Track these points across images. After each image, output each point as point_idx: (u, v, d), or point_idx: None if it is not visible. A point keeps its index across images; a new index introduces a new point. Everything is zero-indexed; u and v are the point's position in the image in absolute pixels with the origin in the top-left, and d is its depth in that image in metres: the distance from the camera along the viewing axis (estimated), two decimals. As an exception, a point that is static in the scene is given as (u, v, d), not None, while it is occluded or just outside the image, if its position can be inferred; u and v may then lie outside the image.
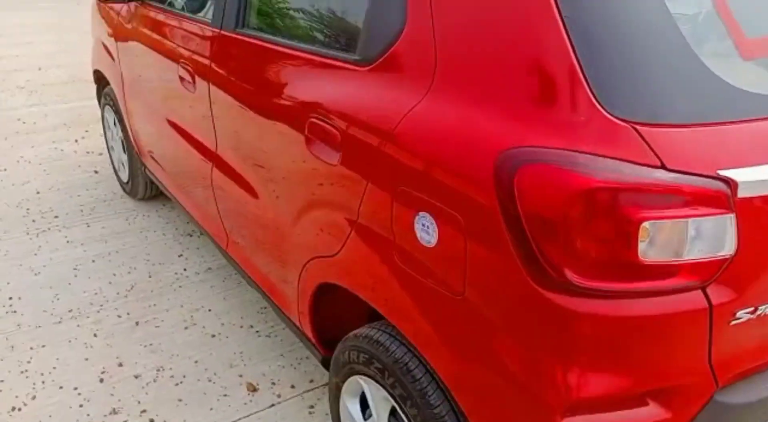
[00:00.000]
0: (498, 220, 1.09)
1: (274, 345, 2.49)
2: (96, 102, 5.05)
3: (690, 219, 1.01)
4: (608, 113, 1.03)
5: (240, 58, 1.92)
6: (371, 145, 1.36)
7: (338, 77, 1.50)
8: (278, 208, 1.83)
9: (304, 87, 1.61)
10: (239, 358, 2.42)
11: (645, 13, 1.07)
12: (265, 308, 2.70)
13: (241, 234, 2.21)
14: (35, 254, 3.07)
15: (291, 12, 1.87)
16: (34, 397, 2.23)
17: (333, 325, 1.83)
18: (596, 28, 1.06)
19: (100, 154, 4.18)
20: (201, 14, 2.23)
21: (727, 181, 1.01)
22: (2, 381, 2.30)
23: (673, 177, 1.00)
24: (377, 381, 1.54)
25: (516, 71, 1.12)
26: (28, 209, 3.49)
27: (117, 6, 3.02)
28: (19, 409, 2.18)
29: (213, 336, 2.55)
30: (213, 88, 2.04)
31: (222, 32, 2.01)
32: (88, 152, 4.23)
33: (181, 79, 2.28)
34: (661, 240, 1.01)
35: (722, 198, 1.01)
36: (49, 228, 3.30)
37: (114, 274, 2.93)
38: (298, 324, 1.95)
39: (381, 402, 1.57)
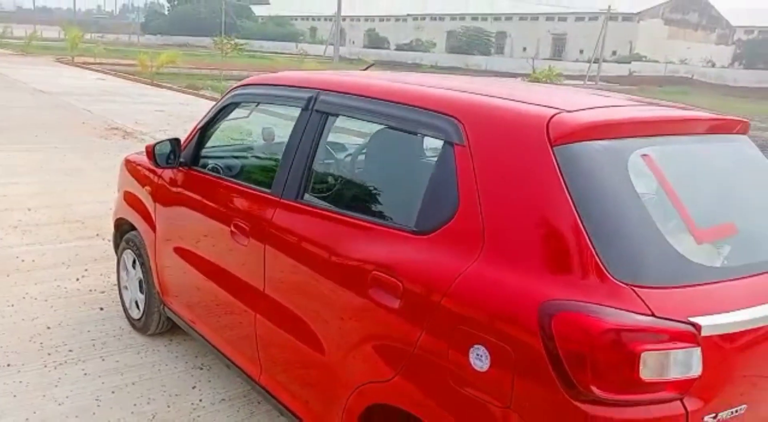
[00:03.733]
0: (540, 351, 1.56)
1: (294, 470, 2.76)
2: (91, 242, 5.43)
3: (671, 351, 1.51)
4: (614, 278, 1.56)
5: (302, 222, 2.42)
6: (431, 295, 1.84)
7: (399, 242, 2.01)
8: (329, 342, 2.25)
9: (366, 248, 2.10)
10: (263, 483, 2.68)
11: (635, 214, 1.66)
12: (280, 436, 2.98)
13: (281, 366, 2.58)
14: (56, 386, 3.29)
15: (349, 187, 2.41)
16: None
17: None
18: (604, 223, 1.62)
19: (102, 292, 4.47)
20: (256, 184, 2.75)
21: (694, 325, 1.54)
22: None
23: (661, 322, 1.52)
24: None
25: (547, 245, 1.66)
26: (41, 343, 3.71)
27: (158, 169, 3.48)
28: None
29: (235, 462, 2.80)
30: (270, 243, 2.51)
31: (283, 200, 2.51)
32: (90, 290, 4.51)
33: (233, 233, 2.73)
34: (653, 364, 1.50)
35: (692, 336, 1.53)
36: (66, 362, 3.53)
37: (135, 404, 3.17)
38: (337, 446, 2.29)
39: None
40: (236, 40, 25.68)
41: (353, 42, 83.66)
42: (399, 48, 69.59)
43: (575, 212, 1.64)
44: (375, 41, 76.91)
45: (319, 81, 2.62)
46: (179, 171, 3.27)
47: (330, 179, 2.53)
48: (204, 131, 3.22)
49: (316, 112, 2.49)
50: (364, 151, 2.91)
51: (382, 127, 2.34)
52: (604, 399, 1.51)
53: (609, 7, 51.87)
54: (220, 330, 3.04)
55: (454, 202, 1.89)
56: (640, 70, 52.90)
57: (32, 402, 3.12)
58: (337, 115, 2.47)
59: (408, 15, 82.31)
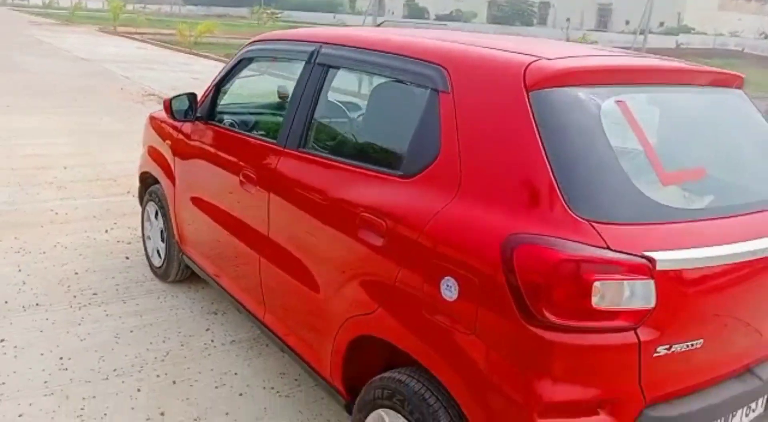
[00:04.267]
0: (502, 280, 1.66)
1: (293, 404, 2.94)
2: (121, 198, 5.67)
3: (625, 282, 1.60)
4: (575, 214, 1.64)
5: (302, 169, 2.54)
6: (410, 233, 1.95)
7: (386, 185, 2.12)
8: (323, 280, 2.38)
9: (358, 191, 2.22)
10: (263, 413, 2.86)
11: (601, 156, 1.73)
12: (284, 374, 3.16)
13: (282, 305, 2.73)
14: (79, 324, 3.51)
15: (344, 139, 2.52)
16: (91, 437, 2.63)
17: (357, 375, 2.32)
18: (569, 163, 1.70)
19: (129, 243, 4.70)
20: (264, 135, 2.88)
21: (649, 259, 1.61)
22: (62, 422, 2.70)
23: (615, 254, 1.60)
24: (397, 411, 2.02)
25: (516, 185, 1.75)
26: (69, 287, 3.95)
27: (177, 123, 3.65)
28: (79, 446, 2.57)
29: (240, 394, 2.98)
30: (274, 189, 2.64)
31: (286, 149, 2.63)
32: (118, 241, 4.75)
33: (242, 182, 2.87)
34: (606, 294, 1.59)
35: (646, 269, 1.61)
36: (90, 303, 3.75)
37: (151, 342, 3.37)
38: (328, 377, 2.44)
39: (400, 428, 2.05)
40: (272, 10, 25.78)
41: (392, 12, 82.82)
42: (439, 18, 68.67)
43: (543, 153, 1.72)
44: (415, 12, 75.99)
45: (322, 35, 2.72)
46: (196, 125, 3.42)
47: (329, 129, 2.64)
48: (219, 87, 3.36)
49: (318, 64, 2.59)
50: (361, 104, 3.02)
51: (376, 78, 2.43)
52: (558, 325, 1.60)
53: (656, -23, 50.24)
54: (229, 274, 3.21)
55: (436, 147, 1.98)
56: (687, 43, 51.23)
57: (57, 337, 3.35)
58: (337, 68, 2.57)
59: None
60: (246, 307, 3.05)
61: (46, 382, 2.97)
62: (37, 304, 3.69)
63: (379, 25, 3.13)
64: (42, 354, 3.19)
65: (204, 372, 3.15)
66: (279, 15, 26.45)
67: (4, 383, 2.93)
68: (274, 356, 3.31)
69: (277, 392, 3.03)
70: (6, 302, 3.68)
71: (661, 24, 57.84)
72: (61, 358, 3.17)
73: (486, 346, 1.73)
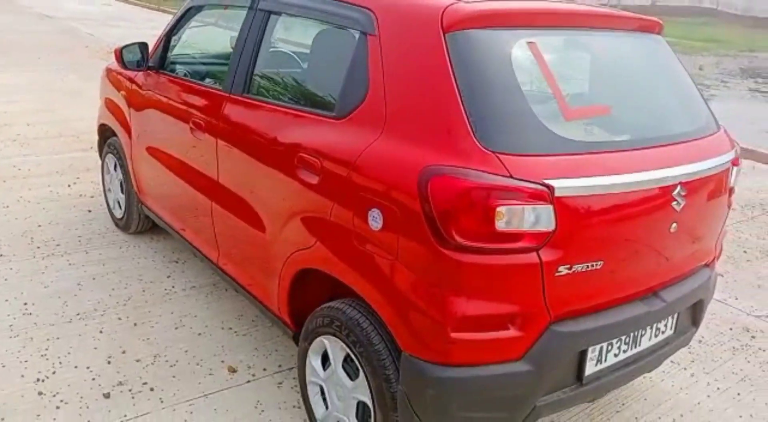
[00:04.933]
0: (418, 209, 1.82)
1: (249, 341, 3.11)
2: (85, 154, 5.71)
3: (526, 207, 1.76)
4: (483, 147, 1.80)
5: (246, 114, 2.66)
6: (340, 169, 2.10)
7: (320, 126, 2.25)
8: (268, 220, 2.53)
9: (296, 132, 2.35)
10: (221, 350, 3.03)
11: (508, 93, 1.88)
12: (242, 316, 3.32)
13: (233, 247, 2.88)
14: (42, 272, 3.64)
15: (285, 84, 2.64)
16: (54, 372, 2.79)
17: (302, 308, 2.49)
18: (478, 100, 1.85)
19: (92, 197, 4.78)
20: (211, 82, 2.98)
21: (548, 186, 1.78)
22: (26, 361, 2.85)
23: (516, 182, 1.76)
24: (336, 336, 2.20)
25: (432, 122, 1.90)
26: (32, 238, 4.05)
27: (131, 73, 3.73)
28: (43, 381, 2.73)
29: (199, 334, 3.15)
30: (221, 134, 2.76)
31: (231, 95, 2.75)
32: (80, 195, 4.83)
33: (192, 129, 2.98)
34: (509, 218, 1.76)
35: (545, 195, 1.78)
36: (53, 254, 3.87)
37: (113, 289, 3.51)
38: (276, 311, 2.61)
39: (338, 351, 2.23)
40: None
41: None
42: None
43: (456, 91, 1.86)
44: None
45: None
46: (148, 74, 3.50)
47: (270, 74, 2.75)
48: (169, 36, 3.43)
49: (259, 10, 2.69)
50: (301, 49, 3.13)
51: (313, 22, 2.54)
52: (468, 246, 1.77)
53: (631, -70, 49.81)
54: (185, 220, 3.34)
55: (364, 88, 2.11)
56: (663, 1, 51.23)
57: (21, 285, 3.48)
58: (277, 13, 2.67)
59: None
60: (202, 252, 3.19)
61: (11, 326, 3.10)
62: (1, 255, 3.79)
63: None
64: (6, 301, 3.31)
65: (164, 314, 3.30)
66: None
67: (-31, 327, 3.07)
68: (233, 300, 3.47)
69: (235, 331, 3.20)
70: (-30, 253, 3.78)
71: (636, -21, 57.53)
72: (25, 304, 3.30)
73: (406, 269, 1.89)
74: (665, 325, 2.32)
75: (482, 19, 1.98)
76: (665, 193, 2.03)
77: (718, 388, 3.06)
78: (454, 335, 1.83)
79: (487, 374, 1.87)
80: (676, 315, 2.33)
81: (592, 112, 2.12)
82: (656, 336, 2.29)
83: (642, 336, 2.23)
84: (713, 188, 2.27)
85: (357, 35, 2.20)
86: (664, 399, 2.95)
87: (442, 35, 1.93)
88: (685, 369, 3.19)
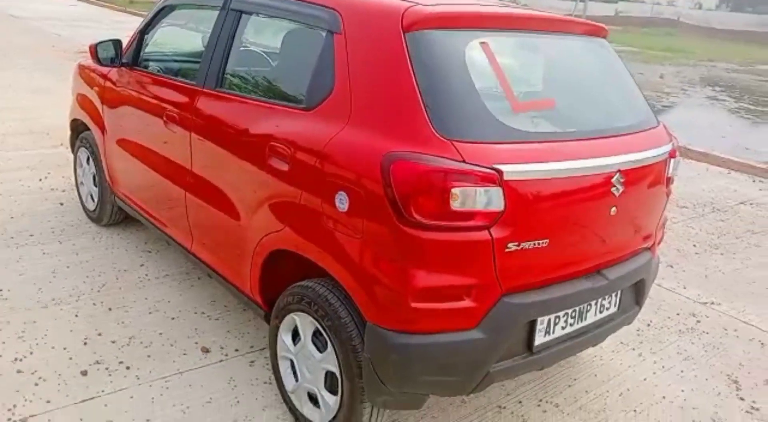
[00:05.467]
0: (381, 191, 2.00)
1: (222, 325, 3.25)
2: (55, 150, 5.77)
3: (477, 188, 1.95)
4: (439, 135, 1.99)
5: (218, 106, 2.81)
6: (310, 157, 2.26)
7: (290, 117, 2.42)
8: (241, 206, 2.67)
9: (267, 124, 2.51)
10: (194, 332, 3.17)
11: (462, 87, 2.07)
12: (214, 301, 3.46)
13: (207, 234, 3.02)
14: (17, 261, 3.72)
15: (256, 78, 2.80)
16: (32, 352, 2.89)
17: (272, 289, 2.64)
18: (435, 93, 2.04)
19: (64, 191, 4.86)
20: (184, 77, 3.13)
21: (498, 170, 1.98)
22: (4, 342, 2.95)
23: (468, 166, 1.95)
24: (306, 312, 2.36)
25: (393, 113, 2.08)
26: (5, 228, 4.12)
27: (104, 70, 3.84)
28: (21, 360, 2.83)
29: (173, 318, 3.28)
30: (195, 127, 2.90)
31: (204, 89, 2.89)
32: (52, 189, 4.90)
33: (166, 122, 3.12)
34: (462, 198, 1.94)
35: (495, 178, 1.97)
36: (27, 244, 3.95)
37: (87, 276, 3.62)
38: (248, 292, 2.75)
39: (307, 325, 2.40)
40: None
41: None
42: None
43: (415, 85, 2.05)
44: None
45: None
46: (121, 71, 3.62)
47: (242, 69, 2.90)
48: (143, 33, 3.55)
49: (231, 10, 2.85)
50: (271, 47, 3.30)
51: (282, 21, 2.70)
52: (425, 224, 1.95)
53: (595, -59, 50.87)
54: (159, 210, 3.47)
55: (331, 82, 2.29)
56: (626, 11, 52.41)
57: (-5, 272, 3.56)
58: (249, 13, 2.83)
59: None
60: (175, 240, 3.32)
61: (-13, 310, 3.19)
62: (-26, 245, 3.86)
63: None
64: (-18, 287, 3.39)
65: (138, 300, 3.42)
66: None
67: (-54, 311, 3.14)
68: (205, 287, 3.60)
69: (208, 316, 3.34)
70: (-57, 243, 3.84)
71: (600, -11, 58.73)
72: (0, 290, 3.38)
73: (371, 246, 2.07)
74: (609, 302, 2.52)
75: (439, 20, 2.17)
76: (605, 179, 2.24)
77: (663, 366, 3.29)
78: (414, 305, 2.00)
79: (444, 341, 2.05)
80: (619, 293, 2.54)
81: (539, 105, 2.33)
82: (601, 312, 2.50)
83: (587, 311, 2.43)
84: (650, 177, 2.50)
85: (324, 33, 2.38)
86: (612, 375, 3.17)
87: (402, 34, 2.12)
88: (633, 349, 3.42)
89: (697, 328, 3.71)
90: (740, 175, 7.48)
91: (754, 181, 7.23)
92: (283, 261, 2.52)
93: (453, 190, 1.93)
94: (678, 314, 3.86)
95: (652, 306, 3.90)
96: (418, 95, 2.03)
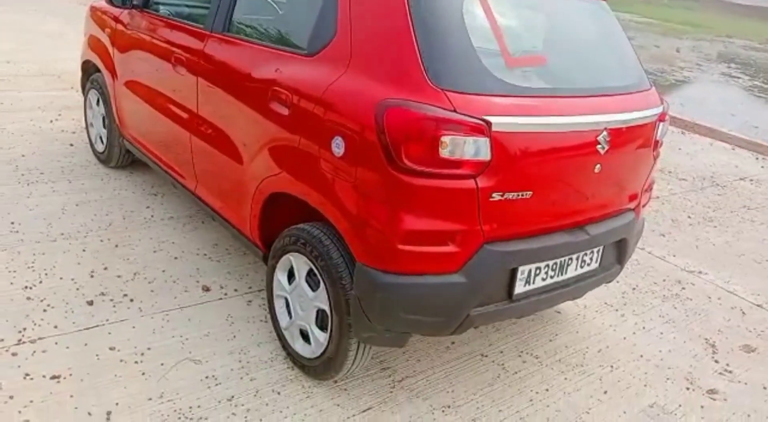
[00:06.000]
0: (375, 137, 2.10)
1: (222, 266, 3.39)
2: (66, 93, 5.86)
3: (466, 138, 2.05)
4: (432, 84, 2.08)
5: (225, 50, 2.90)
6: (309, 102, 2.36)
7: (292, 62, 2.50)
8: (243, 149, 2.78)
9: (270, 68, 2.60)
10: (196, 272, 3.31)
11: (457, 39, 2.15)
12: (217, 244, 3.60)
13: (210, 176, 3.13)
14: (28, 197, 3.85)
15: (262, 23, 2.88)
16: (41, 281, 3.04)
17: (271, 232, 2.77)
18: (431, 43, 2.11)
19: (73, 133, 4.97)
20: (193, 21, 3.21)
21: (486, 121, 2.07)
22: (15, 271, 3.09)
23: (459, 116, 2.04)
24: (301, 253, 2.49)
25: (390, 60, 2.17)
26: (17, 166, 4.25)
27: (115, 11, 3.92)
28: (30, 288, 2.98)
29: (176, 257, 3.42)
30: (202, 70, 2.99)
31: (212, 33, 2.98)
32: (62, 130, 5.01)
33: (174, 65, 3.21)
34: (451, 147, 2.04)
35: (483, 129, 2.06)
36: (37, 181, 4.08)
37: (95, 214, 3.75)
38: (248, 234, 2.88)
39: (302, 265, 2.52)
40: None
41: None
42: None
43: (412, 34, 2.13)
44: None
45: None
46: (132, 12, 3.69)
47: (249, 14, 2.98)
48: (155, -24, 3.62)
49: None
50: None
51: None
52: (415, 170, 2.05)
53: None
54: (165, 152, 3.58)
55: (333, 28, 2.37)
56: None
57: (7, 206, 3.70)
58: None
59: None
60: (180, 182, 3.44)
61: (-2, 241, 3.34)
62: (-14, 180, 4.00)
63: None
64: (-7, 219, 3.54)
65: (143, 240, 3.56)
66: None
67: (-41, 240, 3.30)
68: (209, 230, 3.74)
69: (209, 258, 3.47)
70: (-43, 176, 3.98)
71: (623, -43, 57.52)
72: (12, 223, 3.53)
73: (363, 190, 2.18)
74: (590, 258, 2.64)
75: None
76: (591, 136, 2.33)
77: (644, 327, 3.42)
78: (400, 246, 2.12)
79: (428, 282, 2.18)
80: (600, 250, 2.65)
81: (531, 61, 2.41)
82: (581, 267, 2.61)
83: (568, 265, 2.54)
84: (637, 138, 2.58)
85: None
86: (593, 333, 3.31)
87: None
88: (616, 310, 3.55)
89: (681, 295, 3.83)
90: (745, 151, 7.52)
91: (757, 159, 7.27)
92: (282, 204, 2.64)
93: (442, 138, 2.03)
94: (664, 280, 3.98)
95: (639, 272, 4.02)
96: (415, 45, 2.11)
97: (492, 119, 2.08)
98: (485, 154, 2.09)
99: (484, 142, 2.08)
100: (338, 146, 2.23)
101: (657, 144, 2.75)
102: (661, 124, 2.72)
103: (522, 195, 2.22)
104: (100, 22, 4.13)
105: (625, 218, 2.72)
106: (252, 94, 2.68)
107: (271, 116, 2.54)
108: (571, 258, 2.54)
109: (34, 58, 7.02)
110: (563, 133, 2.28)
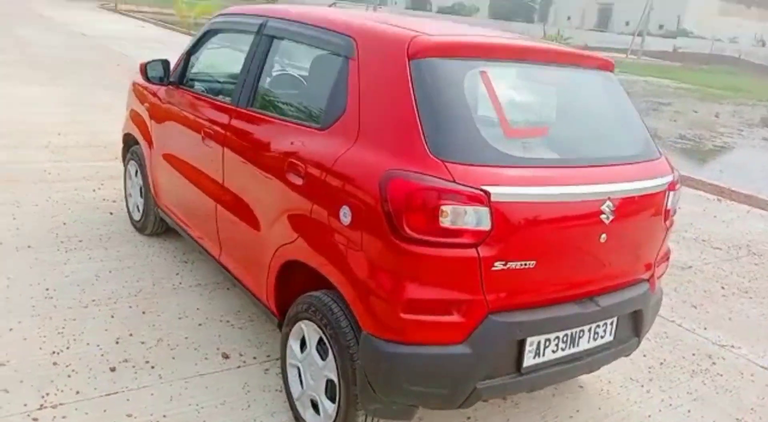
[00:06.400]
0: (379, 206, 2.18)
1: (243, 333, 3.46)
2: (111, 163, 6.16)
3: (465, 207, 2.11)
4: (432, 155, 2.16)
5: (248, 124, 3.06)
6: (320, 172, 2.47)
7: (307, 136, 2.64)
8: (262, 218, 2.89)
9: (288, 141, 2.73)
10: (218, 338, 3.38)
11: (457, 112, 2.25)
12: (240, 311, 3.68)
13: (233, 244, 3.25)
14: (65, 264, 4.03)
15: (281, 99, 3.05)
16: (68, 347, 3.15)
17: (286, 298, 2.83)
18: (432, 116, 2.22)
19: (114, 201, 5.21)
20: (222, 97, 3.41)
21: (485, 191, 2.13)
22: (45, 336, 3.22)
23: (458, 186, 2.11)
24: (311, 320, 2.54)
25: (394, 133, 2.28)
26: (57, 234, 4.46)
27: (154, 87, 4.17)
28: (58, 353, 3.09)
29: (199, 324, 3.51)
30: (228, 142, 3.16)
31: (237, 108, 3.16)
32: (104, 199, 5.26)
33: (203, 138, 3.39)
34: (452, 216, 2.11)
35: (482, 199, 2.13)
36: (75, 248, 4.27)
37: (126, 281, 3.89)
38: (265, 301, 2.96)
39: (313, 333, 2.57)
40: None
41: (396, 2, 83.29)
42: (441, 10, 69.03)
43: (415, 109, 2.24)
44: (417, 3, 76.19)
45: (270, 10, 3.27)
46: (168, 89, 3.94)
47: (271, 90, 3.16)
48: (189, 55, 3.88)
49: (265, 35, 3.13)
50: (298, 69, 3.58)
51: (307, 47, 2.95)
52: (417, 239, 2.12)
53: (657, -22, 50.55)
54: (193, 221, 3.73)
55: (344, 104, 2.51)
56: (686, 46, 51.71)
57: (44, 272, 3.87)
58: (280, 39, 3.10)
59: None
60: (206, 249, 3.57)
61: (33, 307, 3.49)
62: (28, 246, 4.20)
63: (330, 5, 3.65)
64: (30, 285, 3.70)
65: (170, 306, 3.67)
66: (277, -3, 26.96)
67: (-3, 304, 3.46)
68: (233, 297, 3.83)
69: (232, 324, 3.55)
70: (1, 243, 4.19)
71: (661, 27, 58.19)
72: (47, 289, 3.69)
73: (368, 258, 2.24)
74: (604, 330, 2.62)
75: (442, 49, 2.37)
76: (594, 206, 2.37)
77: (670, 404, 3.32)
78: (404, 316, 2.16)
79: (432, 353, 2.20)
80: (613, 322, 2.63)
81: (532, 132, 2.50)
82: (595, 339, 2.59)
83: (580, 337, 2.53)
84: (644, 207, 2.60)
85: (341, 58, 2.60)
86: (617, 409, 3.22)
87: (407, 61, 2.33)
88: (642, 386, 3.46)
89: (711, 370, 3.72)
90: (783, 219, 7.36)
91: (797, 227, 7.10)
92: (297, 272, 2.72)
93: (442, 208, 2.10)
94: (694, 355, 3.87)
95: (668, 345, 3.92)
96: (417, 118, 2.22)
97: (491, 189, 2.14)
98: (485, 224, 2.15)
99: (483, 212, 2.14)
100: (346, 215, 2.32)
101: (668, 213, 2.76)
102: (672, 193, 2.73)
103: (525, 264, 2.26)
104: (141, 96, 4.40)
105: (639, 289, 2.71)
106: (271, 165, 2.81)
107: (288, 186, 2.66)
108: (582, 330, 2.53)
109: (84, 130, 7.42)
110: (565, 203, 2.32)
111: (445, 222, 2.11)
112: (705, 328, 4.23)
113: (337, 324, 2.39)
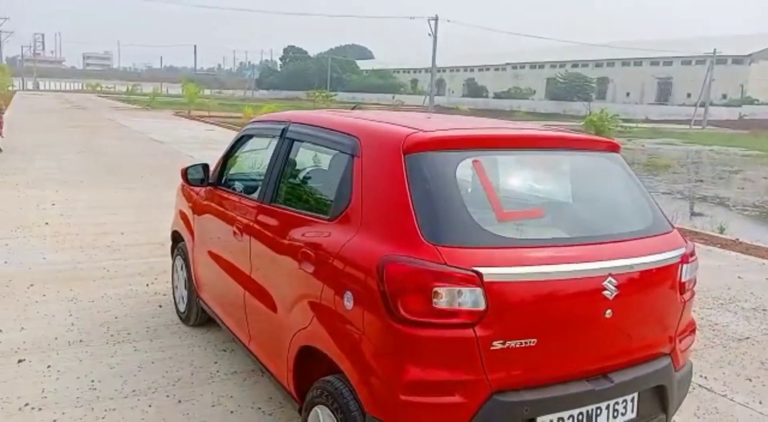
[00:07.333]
0: (377, 290, 2.26)
1: (273, 420, 3.50)
2: (164, 258, 6.46)
3: (458, 288, 2.16)
4: (426, 241, 2.24)
5: (270, 218, 3.24)
6: (328, 259, 2.58)
7: (319, 226, 2.77)
8: (281, 306, 3.01)
9: (302, 232, 2.88)
10: (248, 426, 3.44)
11: (449, 200, 2.34)
12: (271, 398, 3.74)
13: (259, 331, 3.36)
14: (111, 356, 4.23)
15: (298, 194, 3.23)
16: (106, 437, 3.27)
17: (305, 382, 2.89)
18: (425, 205, 2.32)
19: (164, 295, 5.45)
20: (251, 194, 3.63)
21: (477, 272, 2.18)
22: (85, 426, 3.36)
23: (448, 268, 2.17)
24: (326, 405, 2.59)
25: (391, 222, 2.38)
26: (108, 328, 4.70)
27: (196, 188, 4.46)
28: (95, 443, 3.22)
29: (231, 412, 3.58)
30: (254, 234, 3.34)
31: (261, 204, 3.35)
32: (155, 293, 5.52)
33: (235, 233, 3.59)
34: (445, 297, 2.16)
35: (475, 280, 2.17)
36: (123, 341, 4.48)
37: (166, 371, 4.04)
38: (287, 386, 3.02)
39: (326, 419, 2.60)
40: (327, 93, 27.74)
41: (452, 91, 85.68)
42: (497, 96, 70.48)
43: (409, 198, 2.35)
44: (474, 90, 78.14)
45: (292, 116, 3.49)
46: (207, 189, 4.20)
47: (291, 187, 3.34)
48: (226, 158, 4.15)
49: (286, 138, 3.34)
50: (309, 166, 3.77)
51: (322, 148, 3.14)
52: (412, 320, 2.17)
53: (714, 50, 50.44)
54: (227, 310, 3.88)
55: (349, 197, 2.64)
56: (751, 114, 50.67)
57: (91, 365, 4.07)
58: (299, 141, 3.30)
59: (507, 64, 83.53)
60: (238, 337, 3.69)
61: (77, 398, 3.66)
62: (80, 340, 4.44)
63: (354, 108, 3.88)
64: (78, 378, 3.89)
65: (205, 394, 3.77)
66: (333, 96, 28.45)
67: (45, 397, 3.64)
68: (266, 384, 3.90)
69: (263, 411, 3.61)
70: (56, 338, 4.45)
71: (724, 96, 57.39)
72: (92, 381, 3.87)
73: (368, 341, 2.30)
74: (624, 407, 2.54)
75: (435, 143, 2.50)
76: (593, 283, 2.37)
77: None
78: (403, 398, 2.19)
79: (436, 436, 2.20)
80: (634, 398, 2.55)
81: (526, 214, 2.55)
82: (614, 416, 2.52)
83: (597, 415, 2.47)
84: (653, 281, 2.57)
85: (348, 156, 2.76)
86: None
87: (402, 156, 2.46)
88: (690, 467, 3.28)
89: (768, 448, 3.49)
90: None
91: None
92: (313, 356, 2.79)
93: (435, 289, 2.16)
94: (748, 431, 3.65)
95: (717, 421, 3.72)
96: (411, 207, 2.33)
97: (483, 270, 2.19)
98: (480, 304, 2.19)
99: (477, 292, 2.18)
100: (349, 299, 2.41)
101: (684, 286, 2.71)
102: (686, 265, 2.70)
103: (526, 342, 2.26)
104: (187, 196, 4.71)
105: (659, 364, 2.64)
106: (288, 255, 2.95)
107: (302, 274, 2.78)
108: (599, 408, 2.47)
109: (145, 229, 7.87)
110: (562, 281, 2.33)
111: (440, 303, 2.17)
112: (760, 403, 3.99)
113: (347, 408, 2.43)
